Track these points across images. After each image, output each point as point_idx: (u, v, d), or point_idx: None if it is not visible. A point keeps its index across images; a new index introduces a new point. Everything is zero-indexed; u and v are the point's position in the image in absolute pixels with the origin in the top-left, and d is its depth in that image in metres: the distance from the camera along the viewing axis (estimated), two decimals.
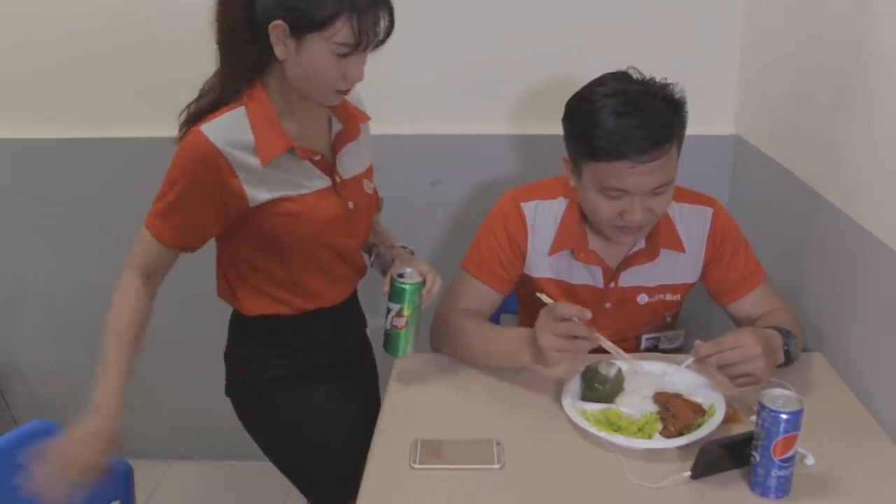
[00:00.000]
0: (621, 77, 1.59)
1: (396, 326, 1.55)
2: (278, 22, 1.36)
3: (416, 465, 1.40)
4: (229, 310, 1.68)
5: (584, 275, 1.77)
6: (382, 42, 1.42)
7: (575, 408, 1.51)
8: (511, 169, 2.36)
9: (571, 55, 2.21)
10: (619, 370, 1.56)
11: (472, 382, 1.66)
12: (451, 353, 1.74)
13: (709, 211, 1.76)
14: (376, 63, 2.23)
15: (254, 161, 1.43)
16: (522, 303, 1.95)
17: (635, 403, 1.52)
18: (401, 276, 1.53)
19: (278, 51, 1.38)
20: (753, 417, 1.32)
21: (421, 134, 2.34)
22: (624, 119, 1.52)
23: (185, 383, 2.62)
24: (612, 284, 1.77)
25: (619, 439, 1.43)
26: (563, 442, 1.47)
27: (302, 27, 1.36)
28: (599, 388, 1.53)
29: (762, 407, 1.28)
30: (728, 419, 1.48)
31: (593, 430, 1.45)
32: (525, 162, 2.35)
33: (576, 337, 1.48)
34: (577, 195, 1.69)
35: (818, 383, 1.63)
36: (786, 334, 1.58)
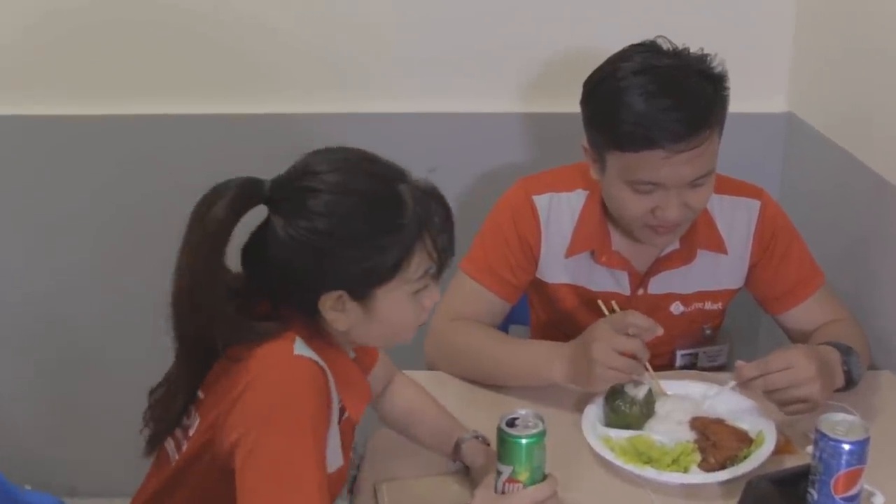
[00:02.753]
0: (650, 49, 1.61)
1: None
2: (333, 293, 1.30)
3: None
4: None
5: (608, 280, 1.78)
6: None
7: (597, 434, 1.53)
8: (521, 154, 2.38)
9: (591, 21, 2.22)
10: (650, 390, 1.57)
11: (467, 402, 1.68)
12: (454, 371, 1.76)
13: (755, 203, 1.77)
14: (360, 32, 2.27)
15: None
16: (536, 312, 1.97)
17: (669, 430, 1.53)
18: (511, 423, 1.34)
19: (338, 324, 1.32)
20: (810, 448, 1.32)
21: (415, 112, 2.35)
22: (655, 100, 1.53)
23: (136, 409, 2.63)
24: (640, 292, 1.78)
25: (649, 473, 1.44)
26: (582, 476, 1.48)
27: (370, 284, 1.30)
28: (626, 411, 1.55)
29: (821, 435, 1.28)
30: (779, 450, 1.50)
31: (618, 461, 1.46)
32: (538, 146, 2.37)
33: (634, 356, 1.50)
34: (600, 188, 1.71)
35: (887, 407, 1.65)
36: (846, 351, 1.60)
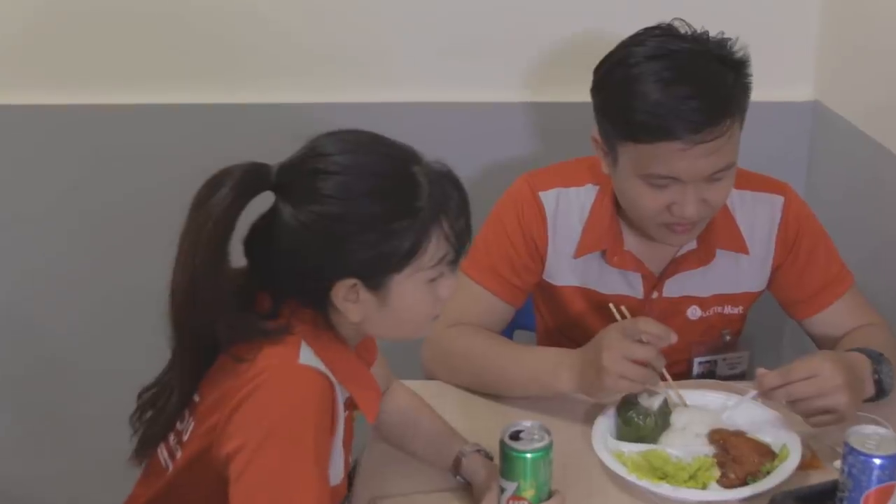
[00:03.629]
0: (665, 32, 1.60)
1: None
2: (347, 281, 1.29)
3: None
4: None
5: (619, 283, 1.78)
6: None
7: (608, 448, 1.52)
8: (527, 147, 2.37)
9: (602, 4, 2.22)
10: (665, 401, 1.57)
11: (468, 413, 1.67)
12: (453, 380, 1.75)
13: (779, 199, 1.77)
14: (359, 18, 2.26)
15: None
16: (543, 317, 1.96)
17: (685, 444, 1.53)
18: (516, 436, 1.35)
19: (352, 314, 1.32)
20: (838, 463, 1.32)
21: (415, 102, 2.35)
22: (671, 88, 1.53)
23: (109, 420, 2.63)
24: (654, 295, 1.78)
25: (665, 489, 1.43)
26: (592, 493, 1.47)
27: (384, 271, 1.30)
28: (640, 423, 1.54)
29: (850, 449, 1.27)
30: (805, 464, 1.49)
31: (632, 477, 1.45)
32: (545, 138, 2.36)
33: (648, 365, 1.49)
34: (612, 183, 1.70)
35: None
36: (877, 359, 1.59)
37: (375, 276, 1.28)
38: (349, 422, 1.41)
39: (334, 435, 1.33)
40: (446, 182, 1.32)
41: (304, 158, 1.30)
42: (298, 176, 1.28)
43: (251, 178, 1.27)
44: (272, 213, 1.29)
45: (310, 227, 1.26)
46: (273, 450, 1.22)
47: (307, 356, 1.29)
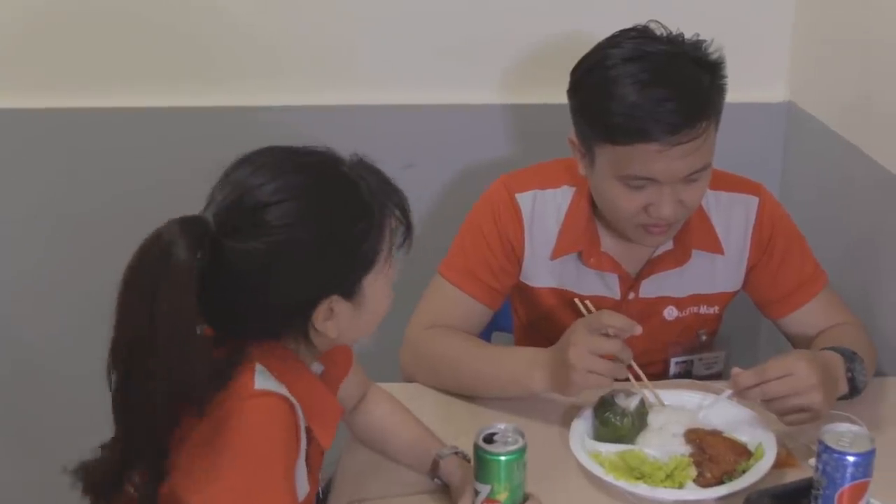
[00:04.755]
0: (641, 34, 1.61)
1: None
2: (325, 301, 1.26)
3: None
4: None
5: (596, 284, 1.79)
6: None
7: (585, 449, 1.53)
8: (504, 149, 2.38)
9: (579, 6, 2.23)
10: (642, 401, 1.57)
11: (446, 415, 1.68)
12: (431, 383, 1.76)
13: (753, 200, 1.78)
14: (331, 18, 2.25)
15: None
16: (520, 318, 1.97)
17: (662, 443, 1.54)
18: (489, 439, 1.34)
19: (331, 331, 1.29)
20: (812, 461, 1.33)
21: (391, 105, 2.35)
22: (648, 90, 1.53)
23: (85, 427, 2.61)
24: (631, 295, 1.79)
25: (642, 489, 1.44)
26: (570, 494, 1.48)
27: (358, 276, 1.29)
28: (617, 423, 1.55)
29: (823, 447, 1.29)
30: (780, 463, 1.50)
31: (609, 477, 1.46)
32: (522, 140, 2.37)
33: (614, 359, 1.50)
34: (589, 185, 1.71)
35: (894, 416, 1.66)
36: (850, 357, 1.60)
37: (350, 284, 1.27)
38: (317, 448, 1.38)
39: (299, 453, 1.28)
40: (369, 170, 1.31)
41: (239, 196, 1.22)
42: (240, 216, 1.21)
43: (194, 232, 1.18)
44: (215, 265, 1.20)
45: (272, 262, 1.21)
46: (238, 478, 1.19)
47: (263, 381, 1.24)
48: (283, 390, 1.25)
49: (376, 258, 1.27)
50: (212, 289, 1.20)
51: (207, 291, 1.19)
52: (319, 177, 1.27)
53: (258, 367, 1.26)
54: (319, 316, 1.26)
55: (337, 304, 1.26)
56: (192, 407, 1.21)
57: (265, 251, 1.20)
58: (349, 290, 1.27)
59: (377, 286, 1.30)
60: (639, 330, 1.50)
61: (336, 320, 1.28)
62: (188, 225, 1.19)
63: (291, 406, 1.26)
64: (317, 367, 1.40)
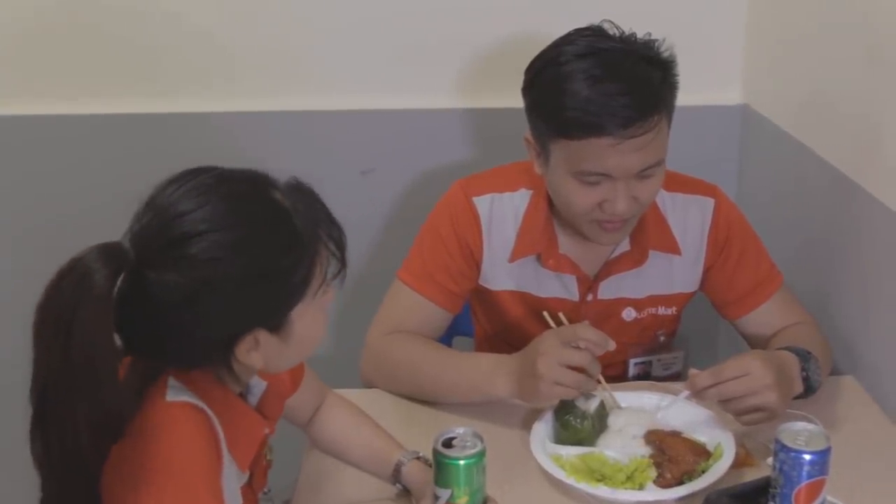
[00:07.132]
0: (595, 33, 1.62)
1: None
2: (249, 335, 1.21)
3: None
4: None
5: (555, 286, 1.79)
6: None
7: (546, 452, 1.53)
8: (463, 153, 2.38)
9: (536, 11, 2.23)
10: (602, 403, 1.58)
11: (407, 421, 1.68)
12: (392, 389, 1.75)
13: (709, 202, 1.79)
14: (284, 22, 2.24)
15: None
16: (481, 325, 1.97)
17: (622, 445, 1.54)
18: (448, 444, 1.33)
19: (256, 362, 1.24)
20: (770, 459, 1.34)
21: (346, 110, 2.34)
22: (601, 85, 1.54)
23: None
24: (589, 297, 1.79)
25: (602, 491, 1.44)
26: (531, 497, 1.48)
27: (285, 309, 1.23)
28: (577, 426, 1.55)
29: (780, 446, 1.30)
30: (739, 462, 1.51)
31: (570, 480, 1.47)
32: (478, 144, 2.37)
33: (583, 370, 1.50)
34: (545, 184, 1.72)
35: (850, 414, 1.68)
36: (805, 356, 1.62)
37: (277, 317, 1.21)
38: (259, 459, 1.36)
39: (221, 462, 1.23)
40: (304, 195, 1.24)
41: (162, 225, 1.16)
42: (163, 246, 1.15)
43: (112, 261, 1.12)
44: (132, 290, 1.14)
45: (194, 297, 1.14)
46: (160, 494, 1.14)
47: (175, 392, 1.21)
48: (197, 400, 1.21)
49: (306, 290, 1.22)
50: (129, 318, 1.15)
51: (125, 320, 1.14)
52: (249, 205, 1.20)
53: (170, 378, 1.21)
54: (243, 348, 1.20)
55: (262, 335, 1.21)
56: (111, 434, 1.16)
57: (188, 285, 1.14)
58: (276, 323, 1.21)
59: (307, 317, 1.24)
60: (612, 346, 1.52)
61: (261, 351, 1.22)
62: (107, 253, 1.12)
63: (206, 416, 1.22)
64: (257, 383, 1.36)
